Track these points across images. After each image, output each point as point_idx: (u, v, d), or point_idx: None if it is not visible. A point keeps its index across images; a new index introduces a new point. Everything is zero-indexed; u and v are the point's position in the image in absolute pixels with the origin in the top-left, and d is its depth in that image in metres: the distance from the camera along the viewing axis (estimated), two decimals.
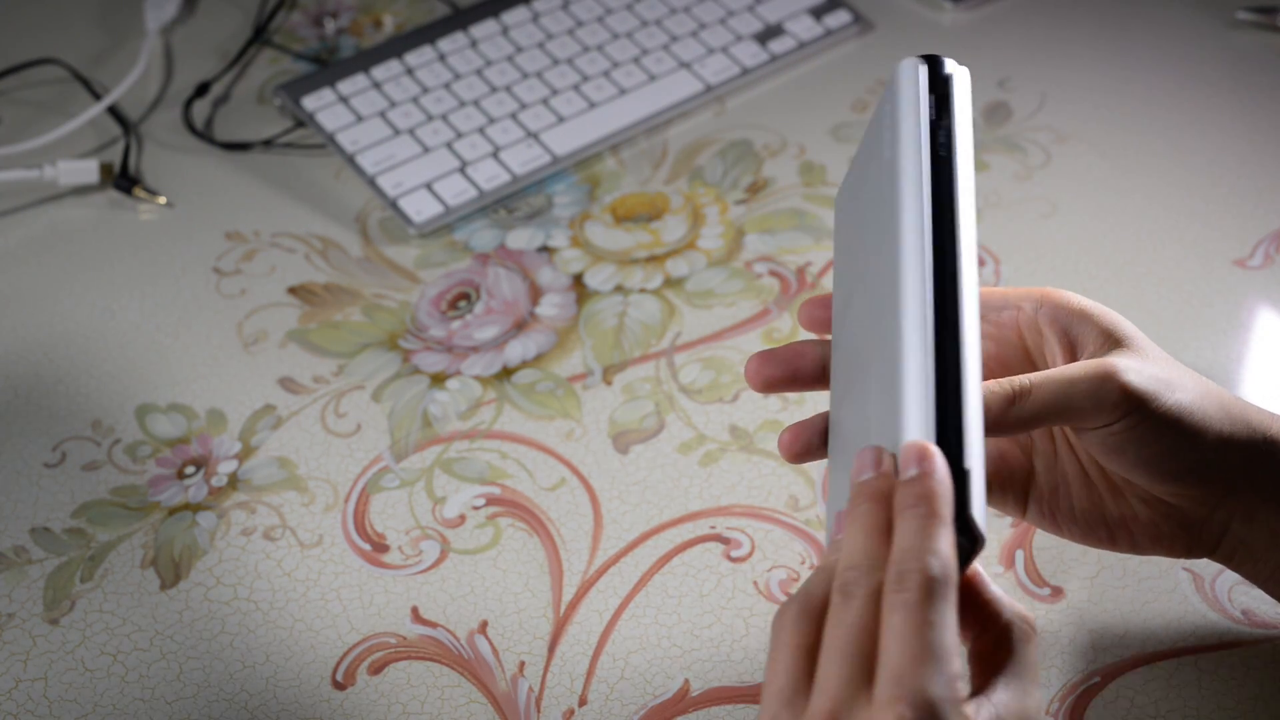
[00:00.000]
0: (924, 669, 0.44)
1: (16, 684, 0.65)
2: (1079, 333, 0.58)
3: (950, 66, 0.55)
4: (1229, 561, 0.60)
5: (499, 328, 0.80)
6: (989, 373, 0.59)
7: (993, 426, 0.53)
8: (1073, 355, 0.58)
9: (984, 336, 0.59)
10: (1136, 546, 0.60)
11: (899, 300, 0.50)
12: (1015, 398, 0.54)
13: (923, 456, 0.47)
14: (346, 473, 0.73)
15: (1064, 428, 0.60)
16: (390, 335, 0.79)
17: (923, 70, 0.55)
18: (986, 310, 0.60)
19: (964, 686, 0.45)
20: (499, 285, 0.82)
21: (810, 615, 0.47)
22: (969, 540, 0.47)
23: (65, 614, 0.68)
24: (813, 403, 0.74)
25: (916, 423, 0.47)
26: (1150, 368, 0.56)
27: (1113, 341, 0.57)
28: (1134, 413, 0.55)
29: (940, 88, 0.54)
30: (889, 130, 0.54)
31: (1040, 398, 0.54)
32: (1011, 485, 0.61)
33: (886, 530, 0.47)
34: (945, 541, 0.46)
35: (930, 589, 0.45)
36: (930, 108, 0.54)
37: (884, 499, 0.48)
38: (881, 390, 0.50)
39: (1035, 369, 0.59)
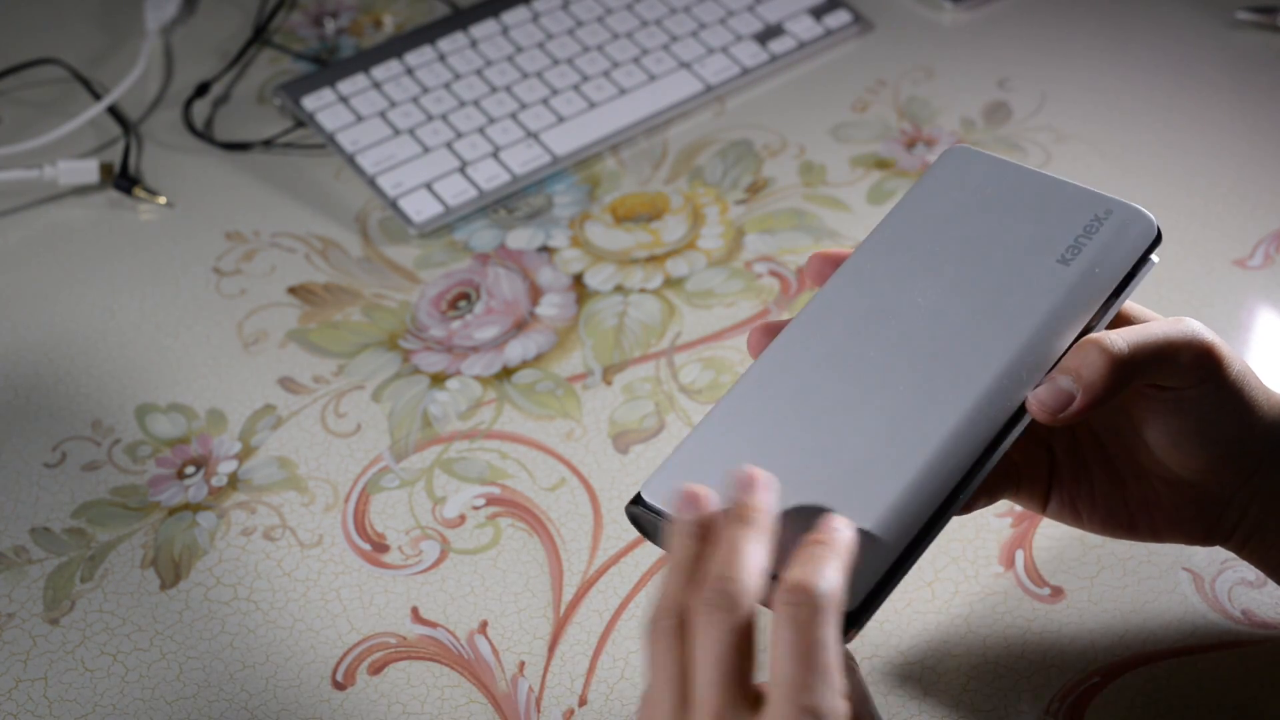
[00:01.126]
0: (816, 684, 0.46)
1: (16, 684, 0.65)
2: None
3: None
4: (1242, 549, 0.60)
5: (499, 328, 0.80)
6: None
7: (1102, 389, 0.53)
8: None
9: None
10: (1156, 533, 0.61)
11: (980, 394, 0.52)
12: (1116, 362, 0.53)
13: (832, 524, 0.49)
14: (346, 473, 0.73)
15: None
16: (390, 335, 0.79)
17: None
18: None
19: (844, 702, 0.46)
20: (499, 285, 0.82)
21: (680, 631, 0.48)
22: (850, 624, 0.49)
23: (65, 614, 0.68)
24: None
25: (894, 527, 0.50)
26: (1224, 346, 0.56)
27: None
28: (1210, 375, 0.56)
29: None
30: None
31: (1139, 357, 0.54)
32: (1034, 480, 0.61)
33: (767, 547, 0.49)
34: (834, 567, 0.47)
35: (819, 608, 0.46)
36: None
37: (764, 527, 0.49)
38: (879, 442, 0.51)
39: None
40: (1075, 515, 0.61)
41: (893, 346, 0.54)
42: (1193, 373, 0.56)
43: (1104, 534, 0.61)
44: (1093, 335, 0.54)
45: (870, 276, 0.56)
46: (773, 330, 0.56)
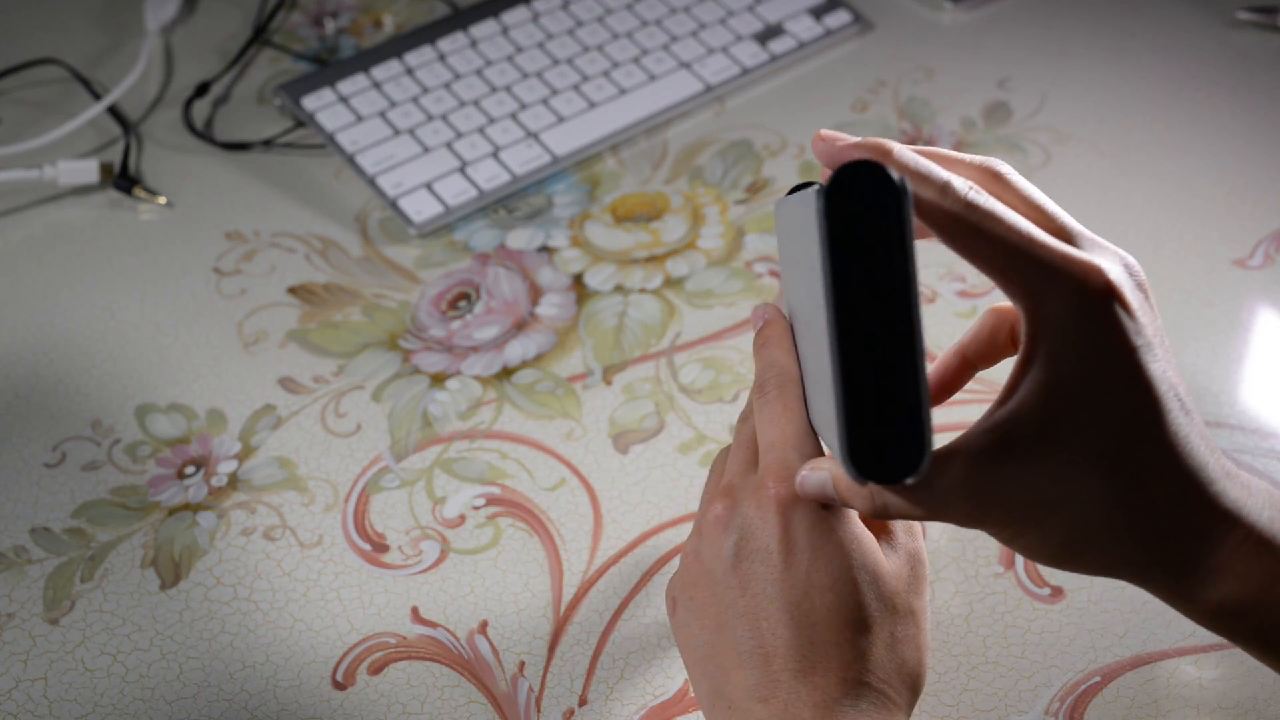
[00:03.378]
0: (786, 444, 0.56)
1: (16, 684, 0.65)
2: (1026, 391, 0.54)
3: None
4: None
5: (499, 328, 0.80)
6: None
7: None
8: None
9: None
10: None
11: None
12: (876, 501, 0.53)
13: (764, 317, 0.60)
14: (346, 473, 0.73)
15: None
16: (390, 335, 0.79)
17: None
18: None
19: (819, 457, 0.55)
20: (499, 285, 0.82)
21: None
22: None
23: (65, 614, 0.68)
24: None
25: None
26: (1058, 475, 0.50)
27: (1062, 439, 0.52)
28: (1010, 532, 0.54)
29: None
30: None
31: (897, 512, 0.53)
32: None
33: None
34: (778, 353, 0.58)
35: (776, 389, 0.57)
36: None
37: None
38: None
39: None
40: None
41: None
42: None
43: None
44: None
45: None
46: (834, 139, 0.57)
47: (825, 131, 0.53)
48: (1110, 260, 0.50)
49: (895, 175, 0.47)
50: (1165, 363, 0.50)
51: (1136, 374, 0.49)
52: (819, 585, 0.54)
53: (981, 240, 0.49)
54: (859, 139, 0.53)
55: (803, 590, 0.54)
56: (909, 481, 0.48)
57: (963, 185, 0.50)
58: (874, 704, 0.53)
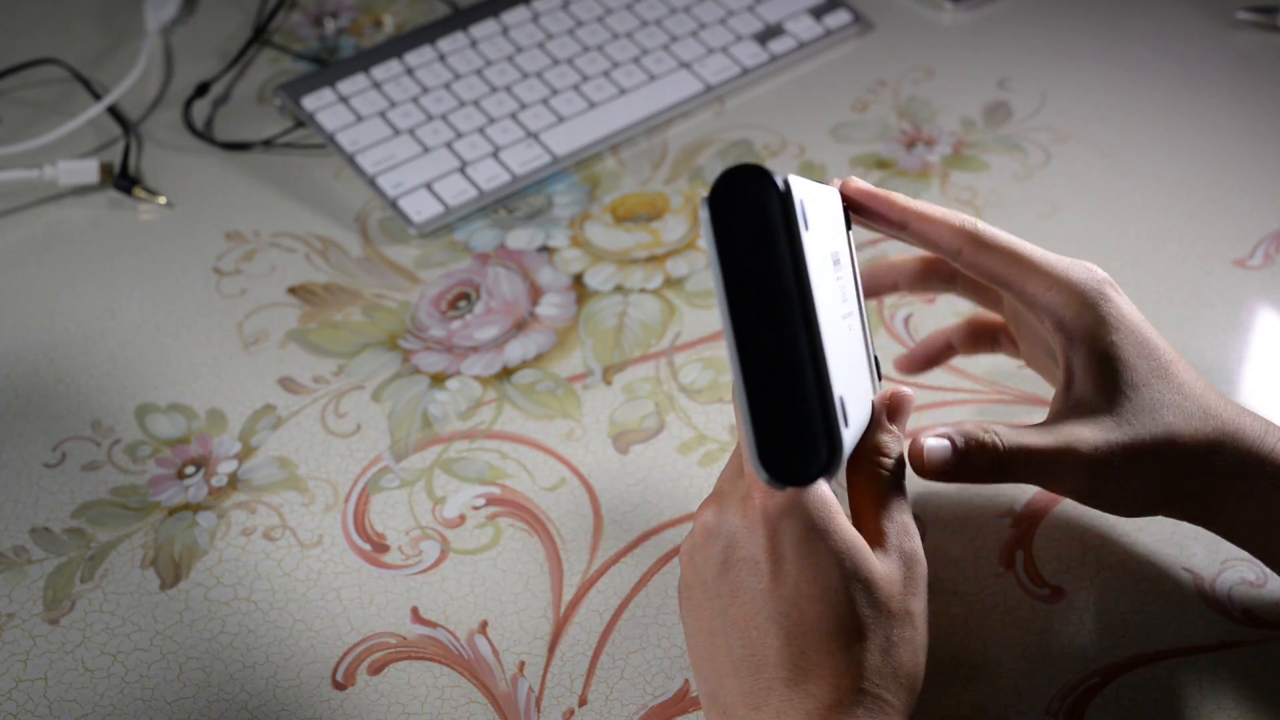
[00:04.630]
0: (720, 483, 0.59)
1: (16, 684, 0.65)
2: (1077, 367, 0.60)
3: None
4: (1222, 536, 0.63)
5: (499, 328, 0.80)
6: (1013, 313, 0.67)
7: (976, 482, 0.61)
8: (1069, 380, 0.60)
9: (1007, 302, 0.67)
10: None
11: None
12: (994, 469, 0.58)
13: None
14: (346, 473, 0.73)
15: None
16: (390, 335, 0.79)
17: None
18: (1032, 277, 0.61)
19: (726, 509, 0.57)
20: (499, 285, 0.82)
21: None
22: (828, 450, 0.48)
23: (65, 614, 0.68)
24: None
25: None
26: (1126, 445, 0.58)
27: (1105, 394, 0.59)
28: (1096, 496, 0.60)
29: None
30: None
31: (1016, 472, 0.59)
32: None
33: None
34: None
35: None
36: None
37: None
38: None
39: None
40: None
41: None
42: (1069, 487, 0.60)
43: None
44: (986, 443, 0.58)
45: None
46: None
47: (853, 182, 0.60)
48: (1084, 264, 0.61)
49: (778, 177, 0.46)
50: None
51: (1149, 330, 0.60)
52: (808, 595, 0.54)
53: (1001, 262, 0.60)
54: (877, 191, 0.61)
55: (791, 600, 0.54)
56: (822, 480, 0.48)
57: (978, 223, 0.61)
58: (869, 710, 0.54)
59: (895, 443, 0.58)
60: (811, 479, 0.48)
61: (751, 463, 0.49)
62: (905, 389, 0.59)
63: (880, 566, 0.55)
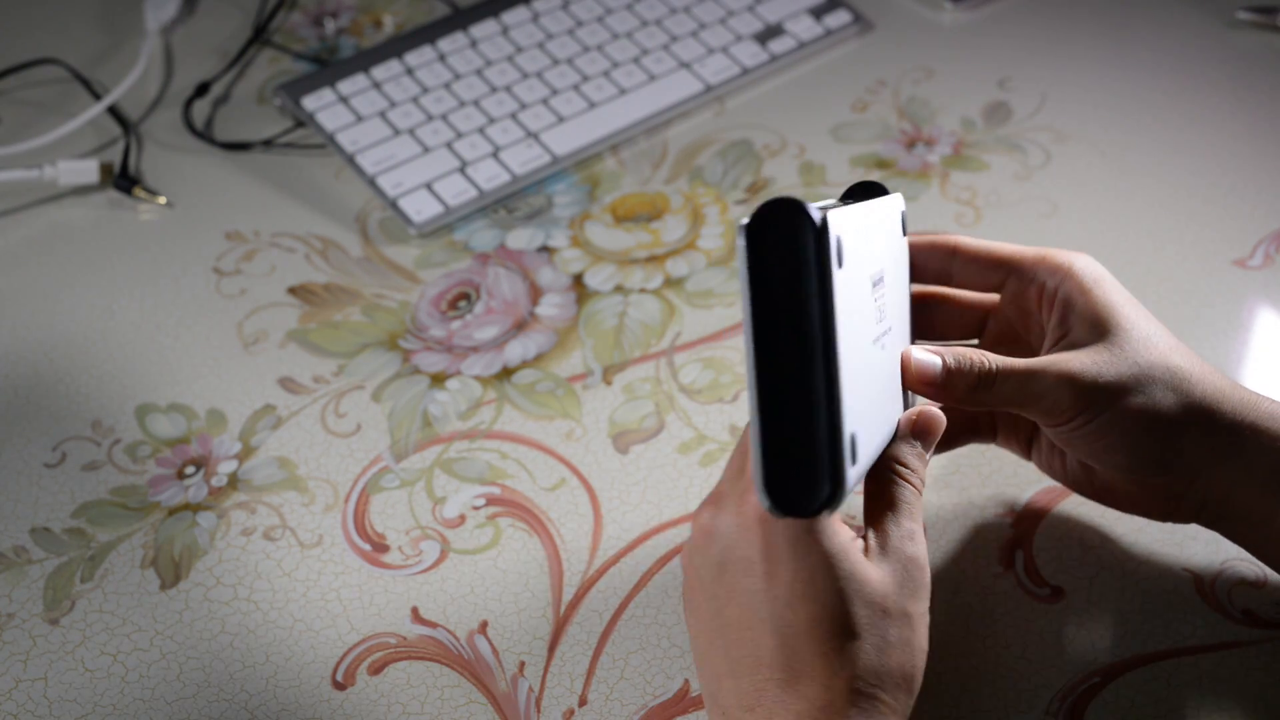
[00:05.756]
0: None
1: (16, 684, 0.65)
2: (1072, 319, 0.61)
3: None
4: (1214, 528, 0.63)
5: (499, 328, 0.80)
6: (999, 332, 0.65)
7: (961, 403, 0.60)
8: (1063, 334, 0.61)
9: (1003, 303, 0.65)
10: (1124, 508, 0.65)
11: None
12: (979, 384, 0.59)
13: None
14: (346, 473, 0.73)
15: None
16: (390, 335, 0.79)
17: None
18: (1019, 273, 0.64)
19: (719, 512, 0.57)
20: (499, 285, 0.82)
21: None
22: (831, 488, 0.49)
23: (65, 614, 0.68)
24: None
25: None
26: (1117, 366, 0.59)
27: (1098, 331, 0.60)
28: (1082, 414, 0.59)
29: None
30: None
31: (1002, 390, 0.59)
32: (1017, 434, 0.67)
33: None
34: None
35: None
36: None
37: None
38: None
39: (1039, 339, 0.64)
40: (1057, 476, 0.66)
41: None
42: (1058, 414, 0.60)
43: (1083, 495, 0.66)
44: (976, 360, 0.59)
45: None
46: None
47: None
48: (1080, 254, 0.63)
49: (815, 214, 0.46)
50: None
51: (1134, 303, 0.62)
52: (802, 596, 0.54)
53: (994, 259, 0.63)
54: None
55: (785, 601, 0.55)
56: (822, 515, 0.49)
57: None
58: (862, 711, 0.54)
59: (915, 457, 0.59)
60: (812, 514, 0.49)
61: (756, 487, 0.50)
62: (936, 410, 0.60)
63: (875, 569, 0.56)
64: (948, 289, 0.66)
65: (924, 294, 0.66)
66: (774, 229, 0.46)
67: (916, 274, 0.64)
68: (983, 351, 0.60)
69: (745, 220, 0.47)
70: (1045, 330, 0.63)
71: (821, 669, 0.54)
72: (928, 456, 0.59)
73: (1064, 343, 0.61)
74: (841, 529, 0.56)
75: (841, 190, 0.86)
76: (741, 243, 0.47)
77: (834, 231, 0.47)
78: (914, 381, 0.59)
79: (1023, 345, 0.65)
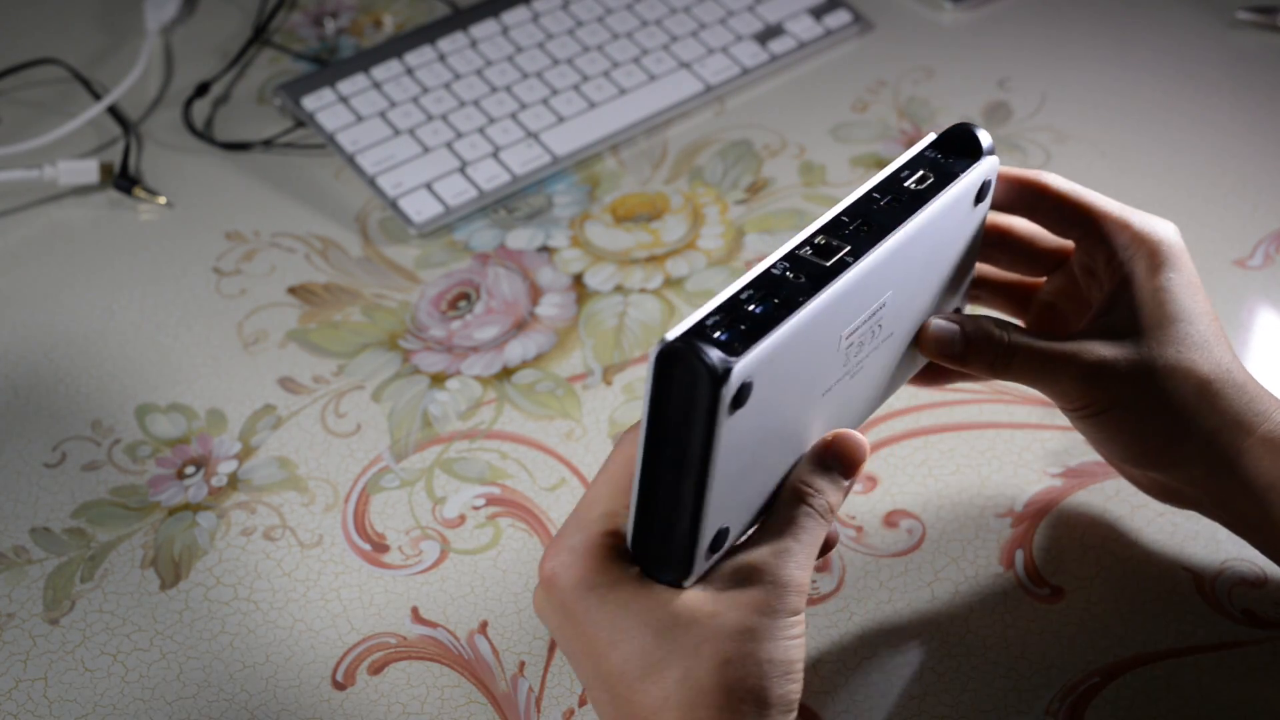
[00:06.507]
0: (575, 519, 0.56)
1: (16, 684, 0.65)
2: (1123, 299, 0.60)
3: None
4: (1210, 516, 0.63)
5: (499, 328, 0.80)
6: (1063, 285, 0.64)
7: (982, 375, 0.61)
8: (1107, 309, 0.61)
9: (1076, 253, 0.63)
10: (1131, 482, 0.66)
11: None
12: (996, 359, 0.59)
13: None
14: (346, 473, 0.73)
15: None
16: (390, 335, 0.79)
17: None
18: (1098, 230, 0.62)
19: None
20: (499, 285, 0.82)
21: None
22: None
23: (65, 614, 0.68)
24: None
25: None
26: (1137, 367, 0.59)
27: (1140, 322, 0.59)
28: (1086, 407, 0.60)
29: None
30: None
31: (1018, 367, 0.60)
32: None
33: None
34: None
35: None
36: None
37: None
38: None
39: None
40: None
41: None
42: (1069, 399, 0.61)
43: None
44: (998, 334, 0.60)
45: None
46: None
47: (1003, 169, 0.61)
48: (1165, 223, 0.62)
49: (718, 364, 0.49)
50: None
51: (1205, 297, 0.61)
52: (607, 643, 0.53)
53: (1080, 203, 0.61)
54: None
55: (598, 656, 0.53)
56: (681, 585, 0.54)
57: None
58: None
59: (824, 480, 0.56)
60: (671, 584, 0.54)
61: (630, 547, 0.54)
62: (855, 435, 0.57)
63: (687, 595, 0.53)
64: (1028, 226, 0.64)
65: (1001, 227, 0.64)
66: (678, 369, 0.50)
67: (1004, 205, 0.62)
68: (1006, 323, 0.60)
69: (658, 348, 0.50)
70: (1098, 296, 0.62)
71: (645, 709, 0.52)
72: (846, 483, 0.56)
73: (1103, 321, 0.60)
74: (622, 568, 0.54)
75: (841, 191, 0.86)
76: (650, 368, 0.50)
77: (737, 380, 0.50)
78: (933, 353, 0.60)
79: (1082, 303, 0.64)
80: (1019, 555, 0.68)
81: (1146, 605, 0.66)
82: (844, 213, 0.56)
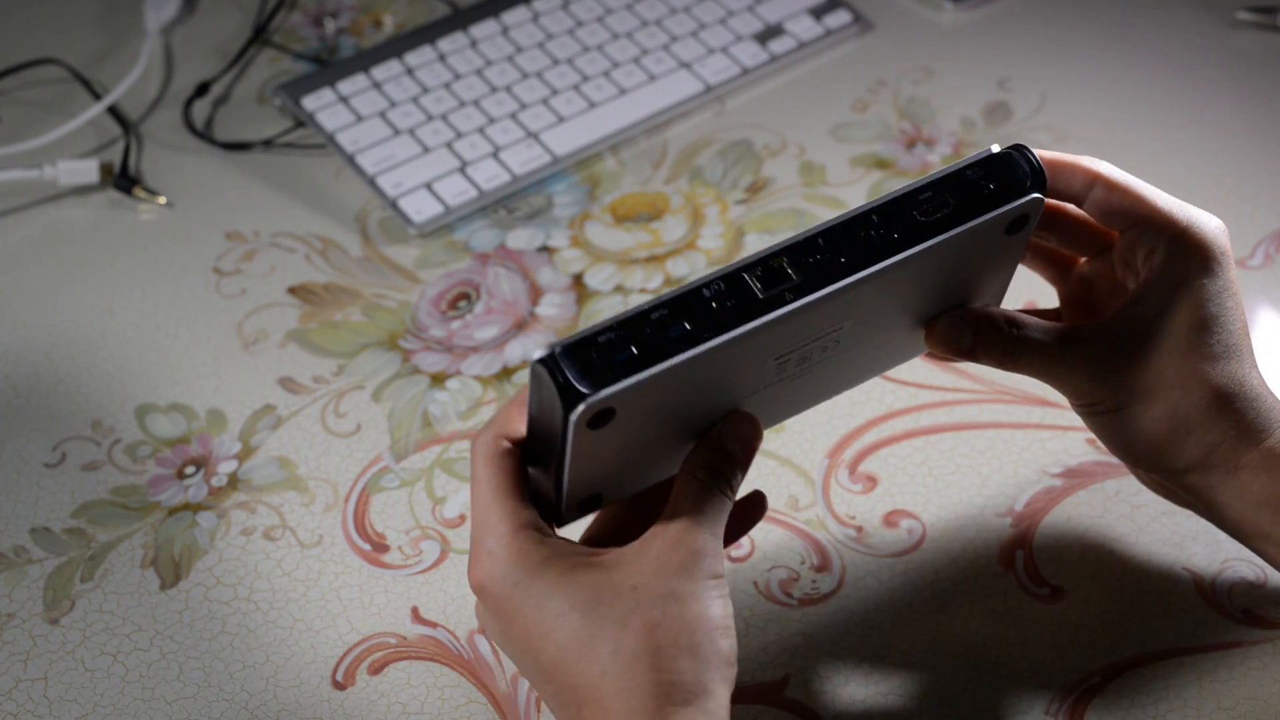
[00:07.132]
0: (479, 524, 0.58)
1: (16, 684, 0.65)
2: (1151, 295, 0.59)
3: None
4: (1210, 521, 0.63)
5: (499, 328, 0.80)
6: (1099, 270, 0.63)
7: (997, 367, 0.61)
8: (1134, 302, 0.60)
9: (1119, 243, 0.61)
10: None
11: None
12: (1006, 355, 0.60)
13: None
14: (346, 473, 0.73)
15: None
16: (390, 335, 0.79)
17: None
18: (1142, 225, 0.60)
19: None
20: (499, 285, 0.82)
21: None
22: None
23: (65, 614, 0.68)
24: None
25: None
26: (1145, 372, 0.59)
27: (1164, 324, 0.59)
28: (1093, 405, 0.60)
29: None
30: None
31: (1027, 362, 0.60)
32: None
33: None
34: (490, 429, 0.58)
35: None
36: None
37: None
38: None
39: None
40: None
41: None
42: (1076, 397, 0.61)
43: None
44: (1006, 329, 0.60)
45: None
46: None
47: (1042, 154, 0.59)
48: (1213, 221, 0.60)
49: (574, 394, 0.50)
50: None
51: (1241, 308, 0.60)
52: (540, 636, 0.54)
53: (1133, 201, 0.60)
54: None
55: (535, 650, 0.54)
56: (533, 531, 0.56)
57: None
58: (664, 694, 0.53)
59: (718, 456, 0.56)
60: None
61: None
62: (745, 414, 0.58)
63: (612, 573, 0.54)
64: (1077, 209, 0.63)
65: (1054, 209, 0.62)
66: (542, 380, 0.51)
67: (1058, 192, 0.61)
68: (1018, 318, 0.60)
69: (534, 354, 0.51)
70: (1132, 285, 0.61)
71: (590, 689, 0.53)
72: (738, 454, 0.57)
73: (1128, 314, 0.59)
74: (559, 558, 0.55)
75: (841, 191, 0.86)
76: (530, 372, 0.52)
77: (591, 410, 0.51)
78: (944, 351, 0.60)
79: (1117, 287, 0.62)
80: (1019, 555, 0.68)
81: (1146, 605, 0.66)
82: (825, 234, 0.53)
